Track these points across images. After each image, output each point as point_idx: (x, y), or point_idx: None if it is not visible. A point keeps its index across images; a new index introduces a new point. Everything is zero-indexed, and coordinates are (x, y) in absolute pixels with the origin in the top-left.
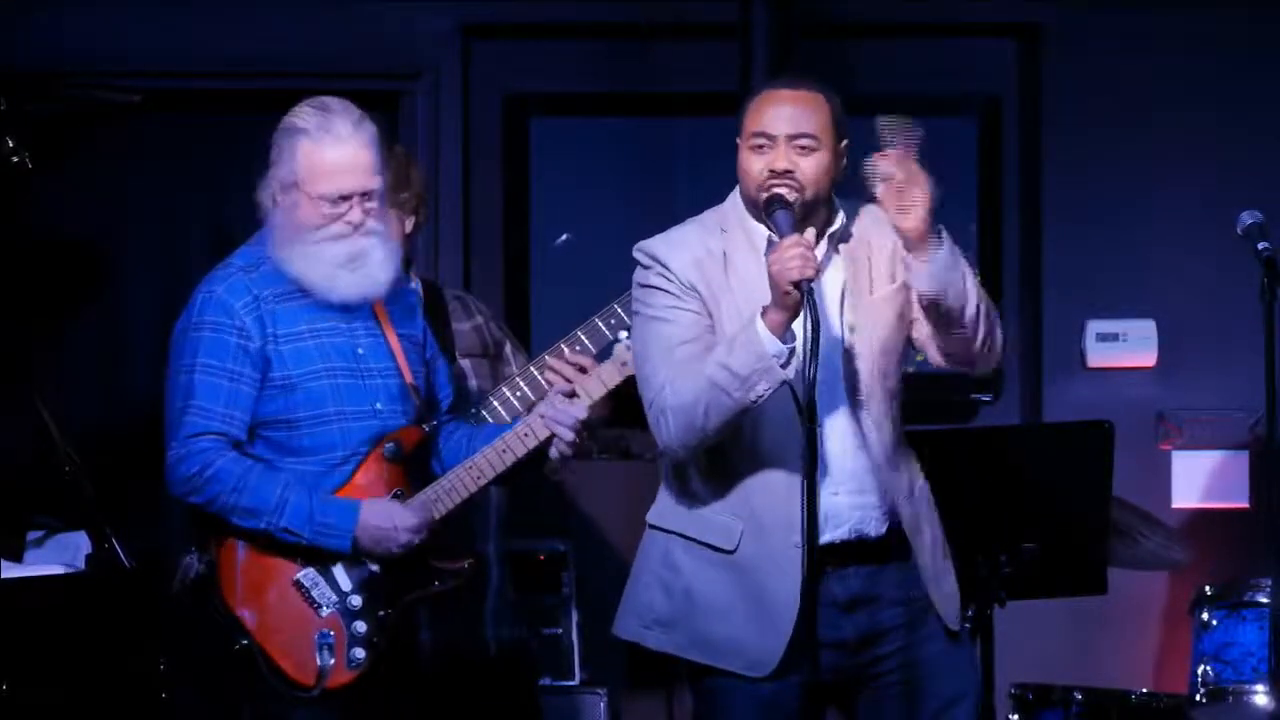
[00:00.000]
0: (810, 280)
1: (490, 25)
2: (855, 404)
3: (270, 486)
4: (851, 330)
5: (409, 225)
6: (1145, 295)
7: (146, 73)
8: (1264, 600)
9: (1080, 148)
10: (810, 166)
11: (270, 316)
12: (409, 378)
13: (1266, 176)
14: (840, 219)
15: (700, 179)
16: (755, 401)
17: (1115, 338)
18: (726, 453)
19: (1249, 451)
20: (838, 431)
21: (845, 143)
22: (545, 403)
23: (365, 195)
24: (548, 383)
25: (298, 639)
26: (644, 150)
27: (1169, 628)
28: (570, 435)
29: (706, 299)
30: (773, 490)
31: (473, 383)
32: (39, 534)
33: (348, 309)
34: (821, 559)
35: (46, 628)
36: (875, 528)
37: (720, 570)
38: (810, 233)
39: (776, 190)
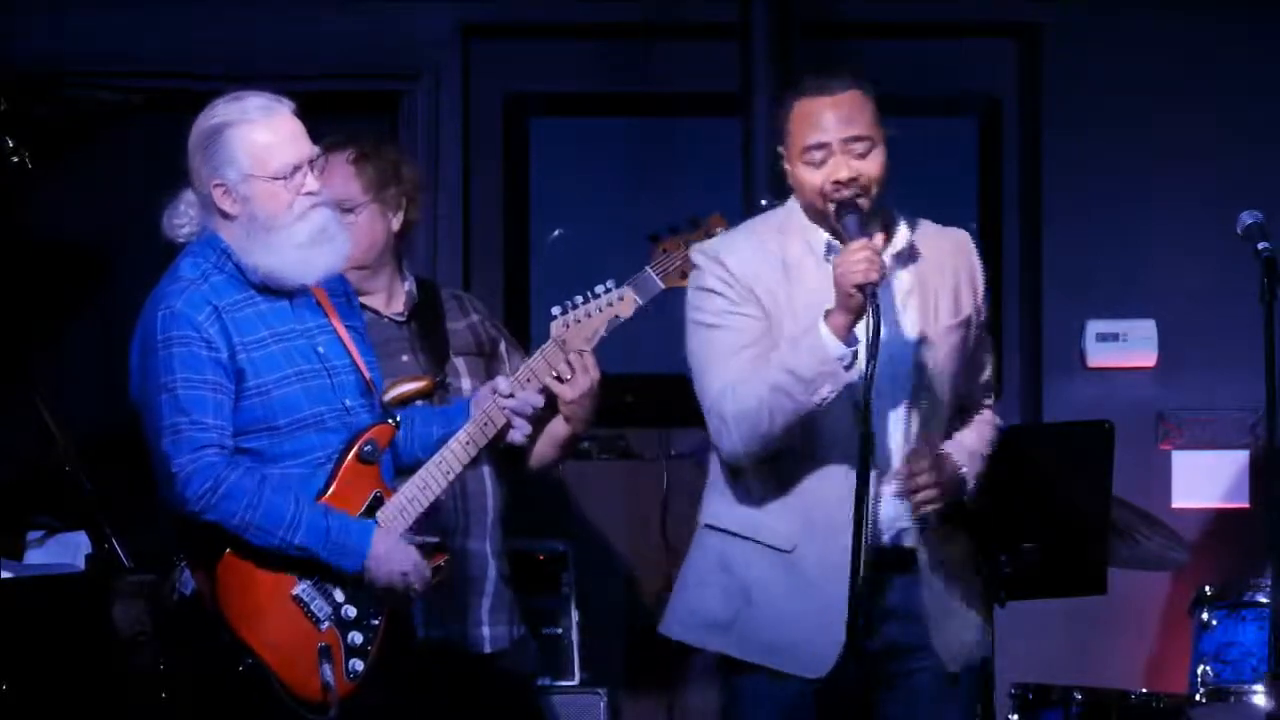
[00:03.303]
0: (875, 284)
1: (490, 25)
2: (914, 416)
3: (283, 502)
4: (917, 345)
5: (396, 222)
6: (1145, 295)
7: (146, 73)
8: (1264, 600)
9: (1080, 148)
10: (871, 168)
11: (233, 325)
12: (365, 371)
13: (1266, 176)
14: (903, 229)
15: (700, 179)
16: (819, 404)
17: (1115, 338)
18: (782, 453)
19: (1249, 451)
20: (896, 438)
21: (884, 131)
22: (489, 399)
23: (311, 162)
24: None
25: (300, 655)
26: (644, 150)
27: (1169, 628)
28: (528, 426)
29: (765, 302)
30: (830, 491)
31: (466, 382)
32: (39, 534)
33: (298, 308)
34: (869, 564)
35: (46, 628)
36: (909, 541)
37: (777, 571)
38: (879, 237)
39: (846, 196)
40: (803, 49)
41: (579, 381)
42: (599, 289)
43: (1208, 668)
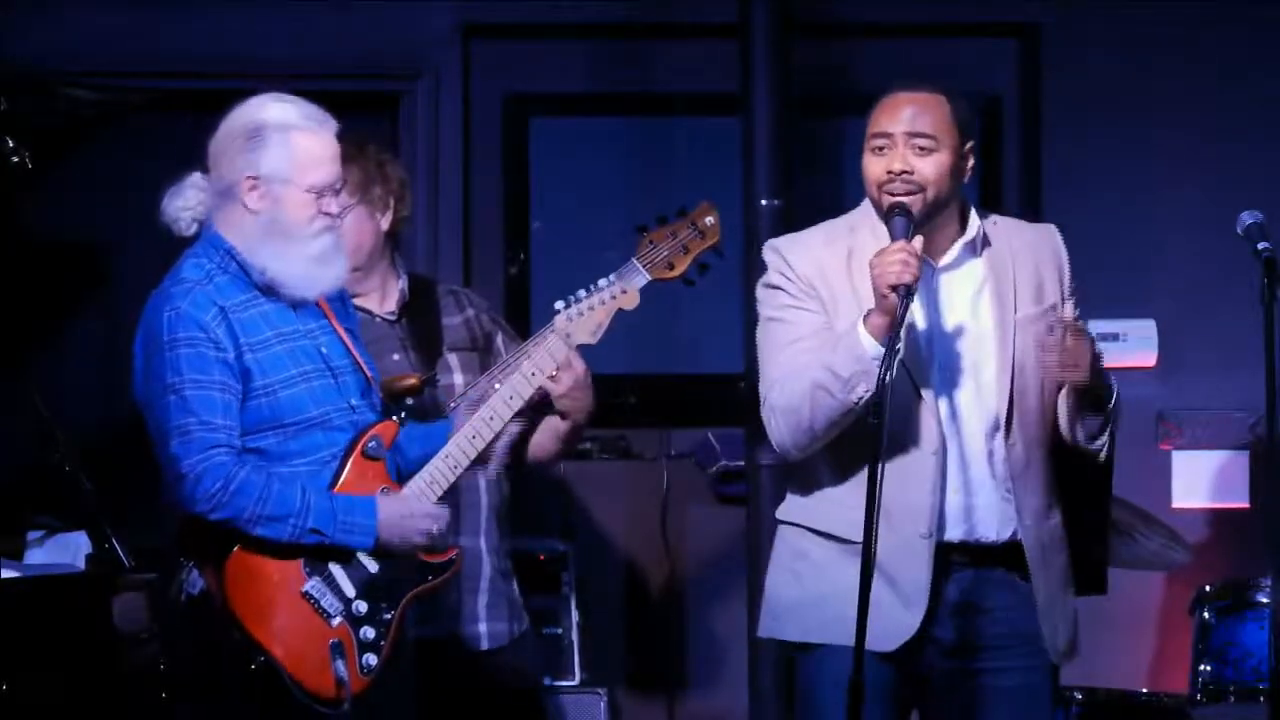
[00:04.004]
0: (908, 286)
1: (490, 25)
2: (987, 409)
3: (292, 491)
4: (987, 338)
5: (386, 222)
6: (1145, 295)
7: (147, 73)
8: (1264, 600)
9: (1080, 148)
10: (928, 167)
11: (239, 325)
12: (366, 371)
13: (1266, 176)
14: (976, 224)
15: (700, 179)
16: (857, 403)
17: (1115, 338)
18: (849, 444)
19: (1249, 451)
20: (965, 433)
21: (970, 144)
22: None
23: (339, 187)
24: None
25: (312, 652)
26: (644, 150)
27: (1169, 628)
28: (515, 427)
29: (825, 299)
30: (900, 481)
31: (458, 378)
32: (39, 534)
33: (300, 310)
34: (944, 556)
35: (46, 628)
36: (991, 535)
37: (850, 560)
38: (918, 241)
39: (898, 197)
40: (803, 49)
41: (563, 377)
42: (601, 281)
43: (1208, 668)
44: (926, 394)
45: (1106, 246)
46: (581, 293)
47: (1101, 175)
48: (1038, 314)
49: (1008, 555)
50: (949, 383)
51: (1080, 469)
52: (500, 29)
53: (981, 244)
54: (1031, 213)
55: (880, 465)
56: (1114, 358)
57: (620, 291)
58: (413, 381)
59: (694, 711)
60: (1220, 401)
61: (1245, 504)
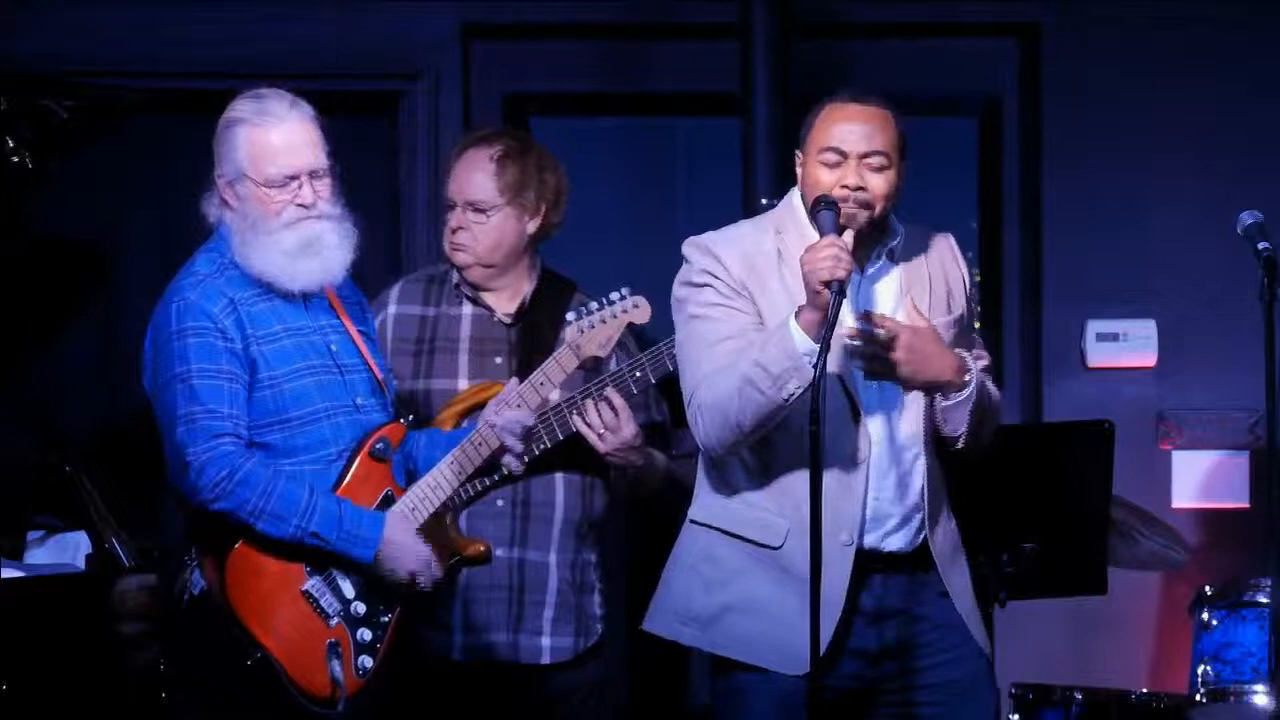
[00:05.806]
0: (840, 281)
1: (490, 25)
2: (904, 417)
3: (298, 490)
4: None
5: (532, 225)
6: (1145, 295)
7: (146, 73)
8: (1264, 600)
9: (1080, 148)
10: (881, 184)
11: (248, 318)
12: (377, 372)
13: (1266, 176)
14: (899, 235)
15: (700, 179)
16: (787, 400)
17: (1115, 338)
18: (774, 449)
19: (1249, 451)
20: (889, 441)
21: (905, 161)
22: (492, 410)
23: (313, 174)
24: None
25: (309, 650)
26: (644, 150)
27: (1169, 628)
28: (518, 445)
29: (756, 296)
30: (827, 488)
31: (554, 394)
32: (39, 534)
33: (312, 307)
34: (859, 564)
35: (46, 628)
36: (908, 541)
37: (765, 567)
38: (849, 235)
39: (851, 211)
40: (803, 49)
41: (609, 439)
42: (614, 295)
43: (1208, 668)
44: (858, 402)
45: (1106, 247)
46: (593, 305)
47: (1101, 175)
48: (947, 323)
49: (918, 561)
50: (876, 390)
51: (1080, 470)
52: (500, 29)
53: (900, 252)
54: (1031, 213)
55: (819, 472)
56: (1114, 358)
57: (632, 306)
58: (498, 389)
59: (694, 711)
60: (1220, 401)
61: (1245, 504)
